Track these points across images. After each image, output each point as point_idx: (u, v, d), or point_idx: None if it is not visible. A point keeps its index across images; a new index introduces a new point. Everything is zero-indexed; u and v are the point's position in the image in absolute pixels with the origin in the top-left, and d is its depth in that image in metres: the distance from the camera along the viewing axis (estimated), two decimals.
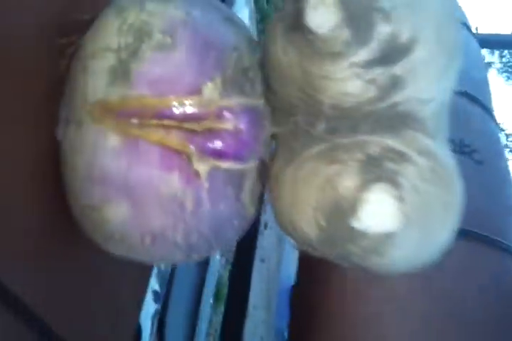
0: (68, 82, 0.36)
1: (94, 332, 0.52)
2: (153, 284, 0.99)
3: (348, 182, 0.32)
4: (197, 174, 0.34)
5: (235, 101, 0.34)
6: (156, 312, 0.93)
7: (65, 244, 0.43)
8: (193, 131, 0.33)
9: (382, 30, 0.31)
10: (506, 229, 0.79)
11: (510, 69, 7.27)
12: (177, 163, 0.34)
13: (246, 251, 1.16)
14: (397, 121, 0.35)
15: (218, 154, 0.34)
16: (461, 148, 0.81)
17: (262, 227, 1.38)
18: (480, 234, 0.74)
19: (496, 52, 6.96)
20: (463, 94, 0.90)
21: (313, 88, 0.34)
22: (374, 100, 0.33)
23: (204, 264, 1.19)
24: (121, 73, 0.34)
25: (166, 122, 0.33)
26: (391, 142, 0.35)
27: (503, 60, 7.19)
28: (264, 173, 0.39)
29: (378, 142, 0.34)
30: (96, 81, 0.35)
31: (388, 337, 0.62)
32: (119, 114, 0.34)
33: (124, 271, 0.55)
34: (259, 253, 1.46)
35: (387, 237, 0.32)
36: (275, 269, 1.96)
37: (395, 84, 0.33)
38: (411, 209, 0.32)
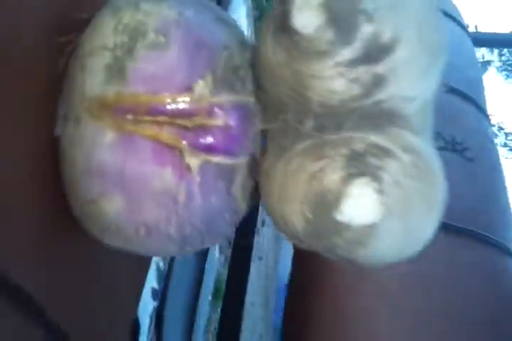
0: (67, 80, 0.38)
1: (93, 328, 0.53)
2: (152, 281, 1.01)
3: (332, 176, 0.34)
4: (189, 168, 0.35)
5: (225, 98, 0.36)
6: (155, 309, 0.94)
7: (65, 241, 0.44)
8: (184, 127, 0.35)
9: (365, 30, 0.32)
10: (496, 225, 0.81)
11: (509, 68, 7.28)
12: (169, 158, 0.35)
13: (243, 249, 1.17)
14: (381, 118, 0.37)
15: (209, 149, 0.36)
16: (453, 146, 0.82)
17: (259, 225, 1.40)
18: (471, 231, 0.76)
19: (495, 51, 6.96)
20: (456, 92, 0.92)
21: (302, 86, 0.36)
22: (358, 98, 0.35)
23: (202, 261, 1.20)
24: (117, 71, 0.35)
25: (159, 118, 0.35)
26: (376, 138, 0.36)
27: (503, 58, 7.20)
28: (255, 168, 0.41)
29: (363, 138, 0.36)
30: (93, 78, 0.36)
31: (378, 332, 0.63)
32: (115, 110, 0.35)
33: (121, 267, 0.57)
34: (256, 251, 1.47)
35: (370, 229, 0.33)
36: (273, 267, 1.98)
37: (378, 82, 0.34)
38: (392, 202, 0.33)
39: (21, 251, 0.37)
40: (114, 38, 0.35)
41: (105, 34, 0.36)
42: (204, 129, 0.35)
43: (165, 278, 0.96)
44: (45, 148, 0.38)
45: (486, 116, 0.97)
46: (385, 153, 0.35)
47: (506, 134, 7.55)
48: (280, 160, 0.39)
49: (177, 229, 0.38)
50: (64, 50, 0.37)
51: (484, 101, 1.01)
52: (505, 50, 6.86)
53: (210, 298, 1.45)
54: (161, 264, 1.01)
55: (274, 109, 0.39)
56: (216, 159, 0.36)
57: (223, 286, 1.26)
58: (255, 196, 0.42)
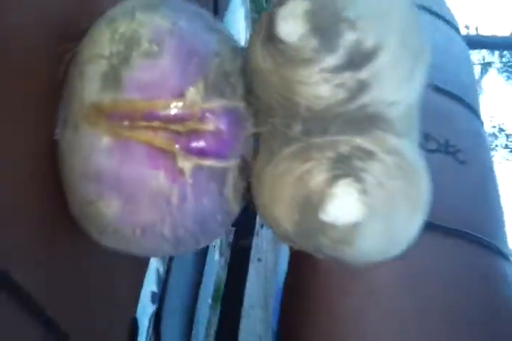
0: (66, 87, 0.40)
1: (92, 327, 0.54)
2: (152, 285, 1.02)
3: (318, 178, 0.35)
4: (181, 171, 0.37)
5: (216, 103, 0.37)
6: (154, 312, 0.95)
7: (65, 242, 0.46)
8: (177, 132, 0.37)
9: (348, 38, 0.34)
10: (488, 226, 0.82)
11: (510, 69, 7.28)
12: (163, 161, 0.37)
13: (242, 251, 1.19)
14: (366, 122, 0.38)
15: (201, 153, 0.37)
16: (446, 148, 0.84)
17: (258, 227, 1.41)
18: (462, 232, 0.77)
19: (496, 52, 6.97)
20: (450, 95, 0.93)
21: (290, 92, 0.37)
22: (343, 102, 0.36)
23: (201, 263, 1.21)
24: (113, 78, 0.37)
25: (153, 124, 0.37)
26: (360, 141, 0.38)
27: (503, 59, 7.20)
28: (247, 171, 0.42)
29: (349, 141, 0.37)
30: (90, 86, 0.38)
31: (367, 331, 0.64)
32: (111, 116, 0.37)
33: (120, 267, 0.58)
34: (255, 253, 1.48)
35: (354, 228, 0.35)
36: (272, 269, 1.99)
37: (362, 87, 0.36)
38: (375, 202, 0.35)
39: (21, 251, 0.39)
40: (110, 47, 0.37)
41: (102, 43, 0.37)
42: (196, 134, 0.37)
43: (163, 280, 0.97)
44: (44, 151, 0.40)
45: (480, 118, 0.99)
46: (369, 155, 0.37)
47: (507, 135, 7.55)
48: (270, 164, 0.40)
49: (171, 230, 0.39)
50: (63, 58, 0.39)
51: (478, 104, 1.03)
52: (506, 52, 6.87)
53: (210, 301, 1.46)
54: (161, 269, 1.03)
55: (264, 113, 0.41)
56: (208, 162, 0.37)
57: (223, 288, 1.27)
58: (247, 197, 0.44)
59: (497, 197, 0.91)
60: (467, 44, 1.22)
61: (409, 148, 0.41)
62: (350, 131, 0.38)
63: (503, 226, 0.89)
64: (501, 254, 0.81)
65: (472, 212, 0.82)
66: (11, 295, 0.38)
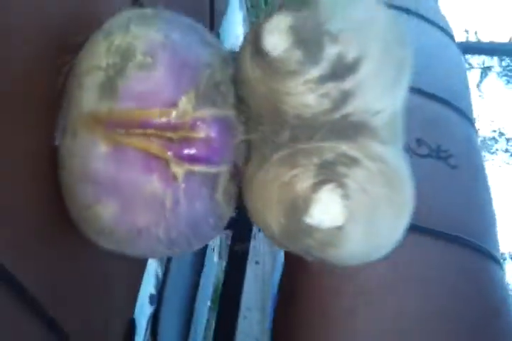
0: (65, 96, 0.42)
1: (91, 329, 0.56)
2: (150, 288, 1.03)
3: (304, 183, 0.37)
4: (174, 176, 0.39)
5: (207, 112, 0.39)
6: (152, 314, 0.97)
7: (65, 244, 0.47)
8: (170, 139, 0.39)
9: (331, 51, 0.36)
10: (479, 230, 0.84)
11: (509, 73, 7.30)
12: (157, 167, 0.39)
13: (240, 254, 1.20)
14: (351, 129, 0.40)
15: (192, 159, 0.39)
16: (437, 153, 0.86)
17: (256, 229, 1.43)
18: (453, 236, 0.79)
19: (495, 56, 6.99)
20: (442, 101, 0.95)
21: (278, 101, 0.39)
22: (328, 111, 0.38)
23: (199, 265, 1.23)
24: (110, 89, 0.39)
25: (147, 131, 0.39)
26: (346, 148, 0.40)
27: (503, 63, 7.22)
28: (238, 176, 0.44)
29: (334, 148, 0.39)
30: (88, 95, 0.40)
31: (358, 330, 0.66)
32: (108, 124, 0.39)
33: (118, 269, 0.60)
34: (253, 256, 1.49)
35: (338, 230, 0.37)
36: (270, 271, 2.01)
37: (346, 97, 0.38)
38: (358, 207, 0.37)
39: (23, 252, 0.40)
40: (106, 59, 0.39)
41: (99, 55, 0.39)
42: (188, 141, 0.39)
43: (161, 281, 0.99)
44: (45, 157, 0.42)
45: (472, 124, 1.01)
46: (353, 162, 0.39)
47: (507, 140, 7.57)
48: (260, 169, 0.42)
49: (165, 232, 0.41)
50: (62, 69, 0.41)
51: (471, 109, 1.05)
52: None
53: (209, 303, 1.48)
54: (160, 271, 1.05)
55: (255, 121, 0.43)
56: (199, 168, 0.39)
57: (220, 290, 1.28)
58: (240, 201, 0.46)
59: (489, 201, 0.93)
60: (466, 50, 1.24)
61: (394, 155, 0.43)
62: (336, 139, 0.40)
63: (495, 230, 0.90)
64: (492, 258, 0.83)
65: (463, 217, 0.84)
66: (14, 295, 0.39)
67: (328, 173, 0.37)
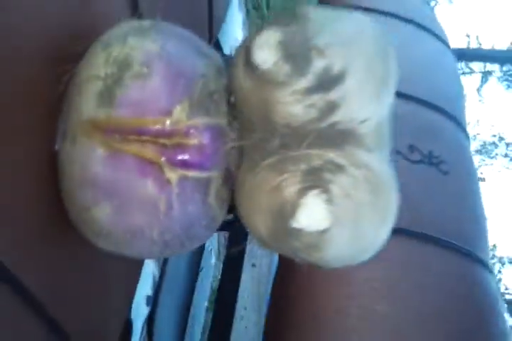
0: (66, 103, 0.44)
1: (89, 328, 0.57)
2: (147, 290, 1.05)
3: (291, 188, 0.39)
4: (168, 181, 0.41)
5: (199, 121, 0.41)
6: (148, 315, 0.98)
7: (65, 245, 0.49)
8: (164, 145, 0.41)
9: (318, 64, 0.38)
10: (469, 235, 0.85)
11: (510, 78, 7.32)
12: (152, 172, 0.41)
13: (236, 256, 1.21)
14: (338, 137, 0.42)
15: (185, 164, 0.41)
16: (429, 159, 0.88)
17: None
18: (443, 240, 0.80)
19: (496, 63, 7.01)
20: (435, 108, 0.97)
21: (268, 110, 0.41)
22: (315, 120, 0.40)
23: (196, 267, 1.24)
24: (108, 97, 0.41)
25: (143, 138, 0.41)
26: (332, 156, 0.41)
27: (504, 68, 7.24)
28: (230, 180, 0.46)
29: (321, 155, 0.41)
30: (87, 103, 0.42)
31: (350, 333, 0.68)
32: (106, 131, 0.41)
33: (115, 270, 0.61)
34: (250, 258, 1.51)
35: (323, 234, 0.38)
36: (266, 274, 2.02)
37: (332, 107, 0.40)
38: (342, 212, 0.39)
39: (25, 252, 0.42)
40: (105, 69, 0.41)
41: (97, 65, 0.41)
42: (181, 147, 0.41)
43: (158, 282, 1.00)
44: (45, 161, 0.44)
45: (465, 131, 1.02)
46: (339, 168, 0.41)
47: (507, 144, 7.58)
48: (251, 174, 0.44)
49: (159, 234, 0.43)
50: (62, 78, 0.43)
51: (464, 116, 1.07)
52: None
53: (206, 303, 1.49)
54: (156, 272, 1.06)
55: (247, 128, 0.45)
56: (192, 173, 0.41)
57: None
58: (232, 205, 0.48)
59: (479, 207, 0.94)
60: (466, 57, 1.26)
61: (380, 162, 0.45)
62: (323, 146, 0.42)
63: (485, 235, 0.92)
64: (480, 262, 0.84)
65: (453, 222, 0.86)
66: (16, 295, 0.41)
67: (314, 179, 0.39)
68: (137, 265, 0.72)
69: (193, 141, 0.41)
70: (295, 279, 0.75)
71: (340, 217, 0.39)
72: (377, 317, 0.69)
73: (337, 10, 0.42)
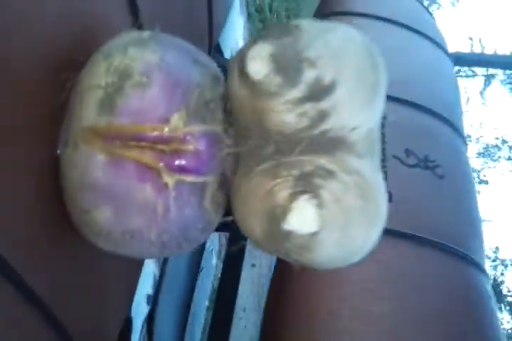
0: (67, 111, 0.46)
1: (89, 328, 0.59)
2: (148, 288, 1.07)
3: (283, 193, 0.41)
4: (166, 185, 0.43)
5: (196, 128, 0.43)
6: (148, 313, 1.00)
7: (65, 246, 0.50)
8: (162, 151, 0.43)
9: (309, 74, 0.40)
10: (464, 238, 0.87)
11: None
12: (150, 177, 0.43)
13: (236, 256, 1.23)
14: (330, 144, 0.44)
15: (182, 170, 0.43)
16: (425, 163, 0.89)
17: None
18: (438, 243, 0.82)
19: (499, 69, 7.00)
20: (431, 112, 0.98)
21: (262, 118, 0.43)
22: (307, 128, 0.42)
23: (196, 267, 1.26)
24: (108, 105, 0.43)
25: (141, 144, 0.42)
26: (324, 162, 0.43)
27: (507, 71, 7.24)
28: (226, 185, 0.48)
29: (313, 161, 0.43)
30: (89, 110, 0.44)
31: (343, 335, 0.70)
32: (106, 137, 0.43)
33: (115, 270, 0.63)
34: (249, 259, 1.52)
35: (313, 236, 0.40)
36: (266, 274, 2.04)
37: (323, 116, 0.42)
38: (331, 216, 0.40)
39: (28, 253, 0.44)
40: (106, 78, 0.43)
41: (99, 74, 0.43)
42: (178, 153, 0.43)
43: (158, 282, 1.02)
44: (48, 164, 0.45)
45: (461, 135, 1.04)
46: (329, 174, 0.42)
47: (510, 147, 7.58)
48: (246, 179, 0.46)
49: (157, 235, 0.45)
50: (65, 86, 0.45)
51: (461, 121, 1.08)
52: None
53: (207, 302, 1.51)
54: (157, 272, 1.08)
55: (243, 135, 0.46)
56: (188, 178, 0.43)
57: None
58: (227, 208, 0.49)
59: (475, 210, 0.96)
60: (469, 62, 1.27)
61: (370, 168, 0.46)
62: (315, 153, 0.43)
63: (481, 238, 0.94)
64: (476, 265, 0.86)
65: (449, 225, 0.87)
66: (19, 295, 0.42)
67: (306, 184, 0.41)
68: (137, 265, 0.74)
69: (190, 147, 0.43)
70: (290, 280, 0.76)
71: (329, 221, 0.40)
72: (373, 318, 0.70)
73: (326, 21, 0.44)
